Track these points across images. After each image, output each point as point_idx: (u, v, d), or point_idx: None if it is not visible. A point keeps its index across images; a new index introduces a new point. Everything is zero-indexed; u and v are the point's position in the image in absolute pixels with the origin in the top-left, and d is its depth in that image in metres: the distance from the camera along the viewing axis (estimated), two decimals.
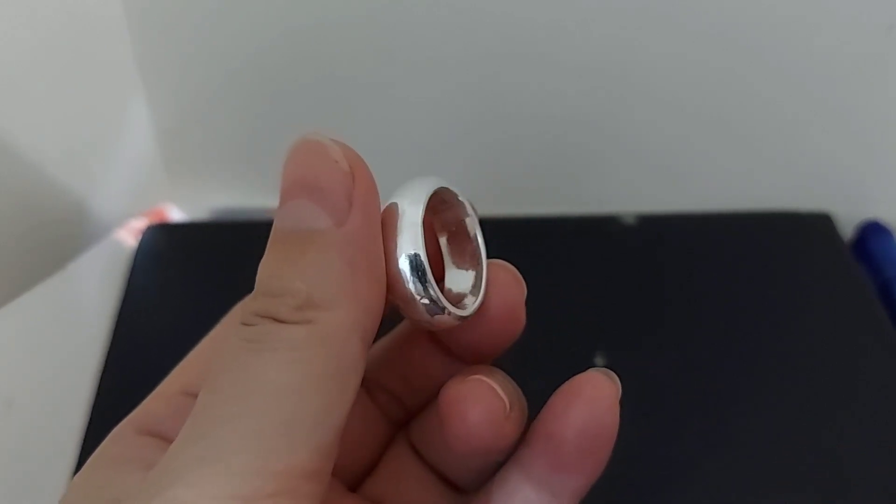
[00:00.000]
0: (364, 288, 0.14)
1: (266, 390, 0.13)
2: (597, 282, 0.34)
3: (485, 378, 0.16)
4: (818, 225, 0.36)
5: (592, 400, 0.16)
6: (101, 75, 0.33)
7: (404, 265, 0.15)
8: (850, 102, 0.34)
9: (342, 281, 0.14)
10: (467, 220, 0.18)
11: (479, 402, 0.16)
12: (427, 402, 0.19)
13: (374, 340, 0.20)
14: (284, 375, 0.13)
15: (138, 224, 0.37)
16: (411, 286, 0.15)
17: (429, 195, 0.16)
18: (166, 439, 0.16)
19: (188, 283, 0.34)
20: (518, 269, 0.18)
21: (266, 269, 0.15)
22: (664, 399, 0.30)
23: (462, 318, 0.16)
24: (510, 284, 0.17)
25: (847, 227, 0.38)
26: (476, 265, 0.17)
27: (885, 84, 0.34)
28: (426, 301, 0.15)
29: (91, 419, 0.29)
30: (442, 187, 0.16)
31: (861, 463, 0.28)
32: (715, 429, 0.29)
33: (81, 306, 0.34)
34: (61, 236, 0.34)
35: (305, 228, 0.14)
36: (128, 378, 0.31)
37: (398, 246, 0.15)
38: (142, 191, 0.38)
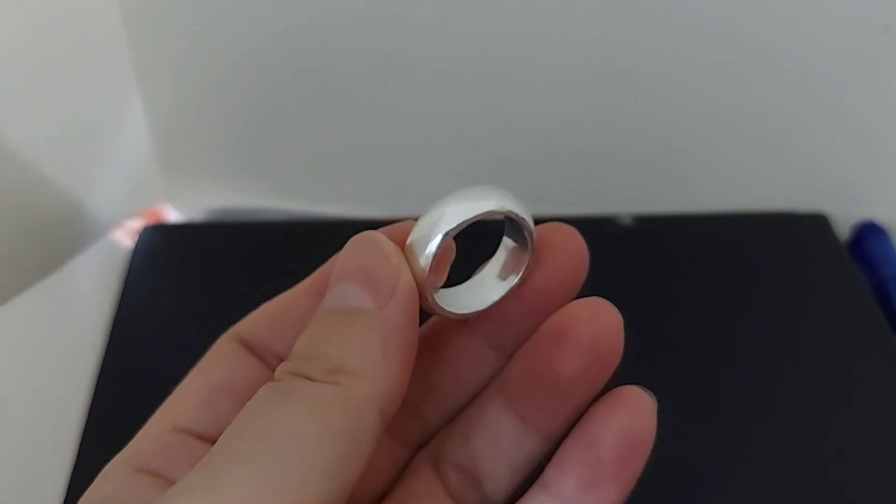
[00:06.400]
0: (392, 368, 0.15)
1: (285, 435, 0.14)
2: (594, 283, 0.34)
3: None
4: (814, 225, 0.36)
5: (635, 406, 0.17)
6: (98, 76, 0.33)
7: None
8: (846, 103, 0.34)
9: (374, 357, 0.15)
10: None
11: (608, 312, 0.18)
12: (453, 414, 0.19)
13: None
14: (305, 425, 0.14)
15: (135, 225, 0.37)
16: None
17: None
18: (161, 477, 0.16)
19: (185, 283, 0.34)
20: None
21: (305, 337, 0.16)
22: (659, 400, 0.30)
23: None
24: (562, 240, 0.19)
25: (843, 227, 0.38)
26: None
27: (881, 84, 0.34)
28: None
29: (88, 420, 0.29)
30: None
31: (857, 463, 0.28)
32: (711, 429, 0.29)
33: (78, 307, 0.34)
34: (57, 237, 0.34)
35: (350, 307, 0.16)
36: (125, 379, 0.31)
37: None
38: (138, 191, 0.38)
